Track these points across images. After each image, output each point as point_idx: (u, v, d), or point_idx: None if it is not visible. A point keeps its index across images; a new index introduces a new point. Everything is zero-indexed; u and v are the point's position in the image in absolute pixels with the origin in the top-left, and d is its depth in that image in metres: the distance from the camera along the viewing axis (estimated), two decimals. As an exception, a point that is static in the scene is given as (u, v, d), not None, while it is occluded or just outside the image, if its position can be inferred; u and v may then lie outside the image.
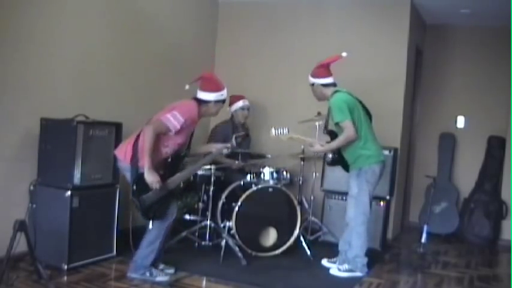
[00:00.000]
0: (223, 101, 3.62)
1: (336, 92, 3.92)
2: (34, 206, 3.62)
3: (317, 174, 4.96)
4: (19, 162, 3.63)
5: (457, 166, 6.06)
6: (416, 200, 6.04)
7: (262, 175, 4.55)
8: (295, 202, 4.42)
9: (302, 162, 4.89)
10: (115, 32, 4.41)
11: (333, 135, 3.99)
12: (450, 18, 5.77)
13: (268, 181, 4.49)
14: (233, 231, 4.17)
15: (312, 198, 4.86)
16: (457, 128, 6.07)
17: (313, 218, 4.86)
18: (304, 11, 5.56)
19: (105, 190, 3.86)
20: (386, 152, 4.88)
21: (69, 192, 3.53)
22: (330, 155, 4.14)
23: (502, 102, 5.63)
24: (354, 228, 3.93)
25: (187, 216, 4.50)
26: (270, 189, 4.36)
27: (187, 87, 3.49)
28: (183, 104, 3.46)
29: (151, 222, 3.50)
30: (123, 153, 3.45)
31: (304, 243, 4.36)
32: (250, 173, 4.64)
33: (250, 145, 5.29)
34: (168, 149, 3.47)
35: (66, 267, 3.53)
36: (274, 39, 5.67)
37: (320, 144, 3.99)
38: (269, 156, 4.83)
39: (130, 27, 4.55)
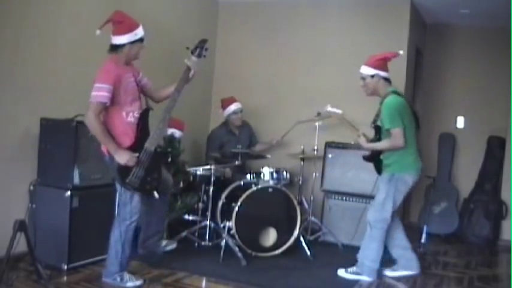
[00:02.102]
0: (140, 40, 3.26)
1: (391, 93, 3.78)
2: (34, 206, 3.62)
3: (317, 174, 4.96)
4: (19, 162, 3.63)
5: (456, 166, 6.06)
6: (416, 200, 6.04)
7: (262, 175, 4.56)
8: (295, 202, 4.42)
9: (302, 162, 4.89)
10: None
11: (378, 130, 3.88)
12: (450, 18, 5.78)
13: (268, 181, 4.49)
14: (233, 231, 4.17)
15: (311, 198, 4.86)
16: (457, 128, 6.08)
17: (313, 218, 4.86)
18: (304, 11, 5.56)
19: (105, 190, 3.85)
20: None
21: (69, 192, 3.53)
22: (368, 153, 4.02)
23: (502, 103, 5.63)
24: (371, 231, 3.85)
25: (187, 217, 4.50)
26: (270, 190, 4.36)
27: (98, 32, 3.15)
28: (99, 71, 3.17)
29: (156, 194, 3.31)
30: (104, 147, 3.24)
31: (304, 244, 4.36)
32: (250, 173, 4.64)
33: (254, 141, 5.30)
34: (132, 113, 3.24)
35: (66, 267, 3.53)
36: (274, 39, 5.67)
37: (366, 139, 3.88)
38: (269, 156, 4.83)
39: (130, 27, 4.55)
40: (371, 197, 4.86)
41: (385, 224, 3.81)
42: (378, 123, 3.87)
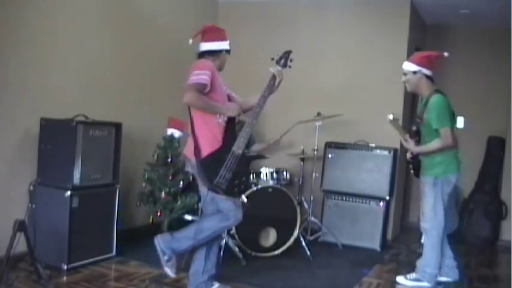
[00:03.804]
0: (228, 52, 3.34)
1: (436, 91, 3.72)
2: (34, 206, 3.62)
3: (317, 174, 4.96)
4: (19, 162, 3.63)
5: (456, 166, 6.05)
6: (416, 200, 6.01)
7: (262, 175, 4.56)
8: (295, 202, 4.42)
9: (302, 163, 4.89)
10: (115, 32, 4.41)
11: (417, 133, 3.81)
12: (450, 18, 5.77)
13: (268, 181, 4.49)
14: (233, 231, 4.16)
15: (311, 198, 4.86)
16: (456, 128, 6.06)
17: (313, 218, 4.86)
18: (304, 11, 5.56)
19: (105, 190, 3.86)
20: (386, 152, 4.91)
21: (68, 192, 3.53)
22: (411, 154, 3.90)
23: (501, 103, 5.63)
24: (428, 239, 3.80)
25: (187, 217, 4.50)
26: (270, 190, 4.36)
27: (190, 41, 3.23)
28: (196, 64, 3.16)
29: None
30: (190, 151, 3.16)
31: (303, 244, 4.36)
32: (250, 173, 4.64)
33: (252, 140, 5.27)
34: (222, 115, 3.19)
35: (65, 267, 3.54)
36: (274, 39, 5.66)
37: (415, 143, 3.77)
38: (268, 156, 4.83)
39: (130, 27, 4.55)
40: (371, 197, 4.88)
41: (441, 229, 3.76)
42: (418, 125, 3.78)
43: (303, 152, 4.84)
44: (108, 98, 4.37)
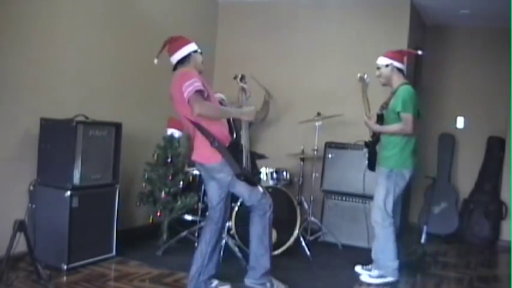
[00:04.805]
0: (199, 52, 3.37)
1: (405, 84, 3.84)
2: (34, 206, 3.62)
3: (317, 174, 4.96)
4: (19, 162, 3.63)
5: (456, 167, 6.06)
6: (416, 200, 6.04)
7: (261, 175, 4.56)
8: (295, 202, 4.41)
9: (302, 163, 4.89)
10: (115, 32, 4.41)
11: (381, 119, 3.90)
12: (450, 18, 5.78)
13: (267, 181, 4.49)
14: (233, 231, 4.17)
15: (311, 198, 4.86)
16: (456, 128, 6.08)
17: (312, 218, 4.86)
18: (304, 11, 5.56)
19: (104, 190, 3.87)
20: (386, 153, 4.91)
21: (68, 192, 3.53)
22: (370, 138, 4.03)
23: (501, 103, 5.63)
24: (381, 230, 3.84)
25: (187, 217, 4.50)
26: (270, 190, 4.35)
27: (156, 61, 3.34)
28: (180, 75, 3.19)
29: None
30: (204, 156, 3.20)
31: (303, 244, 4.36)
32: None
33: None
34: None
35: (65, 267, 3.54)
36: (274, 39, 5.67)
37: (375, 121, 3.91)
38: (268, 156, 4.83)
39: (130, 27, 4.56)
40: (371, 197, 4.87)
41: (392, 219, 3.84)
42: (383, 111, 3.91)
43: (303, 152, 4.84)
44: (108, 98, 4.37)
